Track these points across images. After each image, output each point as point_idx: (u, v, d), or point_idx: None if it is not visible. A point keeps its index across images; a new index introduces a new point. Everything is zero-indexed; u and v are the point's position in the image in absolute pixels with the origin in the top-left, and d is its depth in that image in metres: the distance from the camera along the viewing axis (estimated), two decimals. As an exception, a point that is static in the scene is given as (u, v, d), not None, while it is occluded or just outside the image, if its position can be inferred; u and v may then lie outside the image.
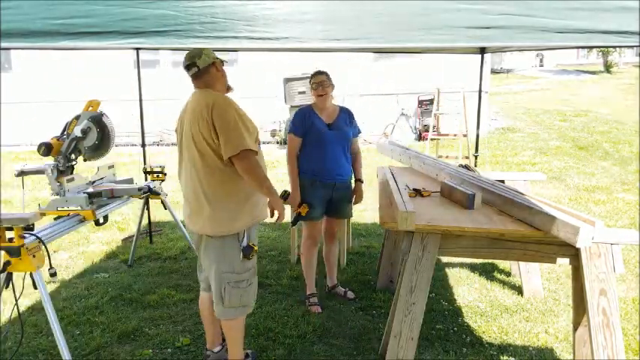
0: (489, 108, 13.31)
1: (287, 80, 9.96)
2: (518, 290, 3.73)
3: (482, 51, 4.55)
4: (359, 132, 3.53)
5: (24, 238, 2.58)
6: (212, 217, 2.45)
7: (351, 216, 3.74)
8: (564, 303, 3.55)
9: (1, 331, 3.24)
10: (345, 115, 3.44)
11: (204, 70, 2.48)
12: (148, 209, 4.87)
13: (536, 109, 15.51)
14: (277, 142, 11.41)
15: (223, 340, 2.81)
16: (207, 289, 2.68)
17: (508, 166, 8.35)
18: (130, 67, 10.75)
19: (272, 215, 2.59)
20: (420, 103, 11.17)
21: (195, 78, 2.53)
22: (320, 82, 3.31)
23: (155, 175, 4.36)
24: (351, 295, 3.65)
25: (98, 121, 3.23)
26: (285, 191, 3.08)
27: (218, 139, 2.35)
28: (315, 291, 3.59)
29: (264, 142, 11.53)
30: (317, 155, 3.31)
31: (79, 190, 3.25)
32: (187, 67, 2.51)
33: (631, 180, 7.14)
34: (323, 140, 3.29)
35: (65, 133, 3.24)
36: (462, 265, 4.26)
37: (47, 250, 2.72)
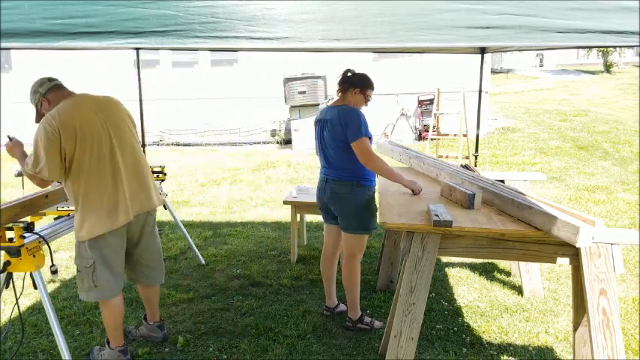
0: (489, 108, 13.31)
1: (287, 80, 9.96)
2: (518, 290, 3.73)
3: (483, 51, 4.55)
4: None
5: (24, 238, 2.59)
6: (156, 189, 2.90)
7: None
8: (564, 303, 3.55)
9: (1, 331, 3.24)
10: None
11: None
12: (148, 209, 4.87)
13: (536, 109, 15.51)
14: (277, 142, 11.41)
15: None
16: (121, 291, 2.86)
17: (508, 166, 8.36)
18: (130, 67, 10.76)
19: None
20: (420, 103, 11.17)
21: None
22: (371, 93, 3.13)
23: (155, 175, 4.36)
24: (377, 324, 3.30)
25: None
26: None
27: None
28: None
29: (264, 142, 11.56)
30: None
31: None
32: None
33: (631, 180, 7.14)
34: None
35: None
36: (462, 265, 4.26)
37: (50, 248, 2.73)
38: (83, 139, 2.51)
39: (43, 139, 2.46)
